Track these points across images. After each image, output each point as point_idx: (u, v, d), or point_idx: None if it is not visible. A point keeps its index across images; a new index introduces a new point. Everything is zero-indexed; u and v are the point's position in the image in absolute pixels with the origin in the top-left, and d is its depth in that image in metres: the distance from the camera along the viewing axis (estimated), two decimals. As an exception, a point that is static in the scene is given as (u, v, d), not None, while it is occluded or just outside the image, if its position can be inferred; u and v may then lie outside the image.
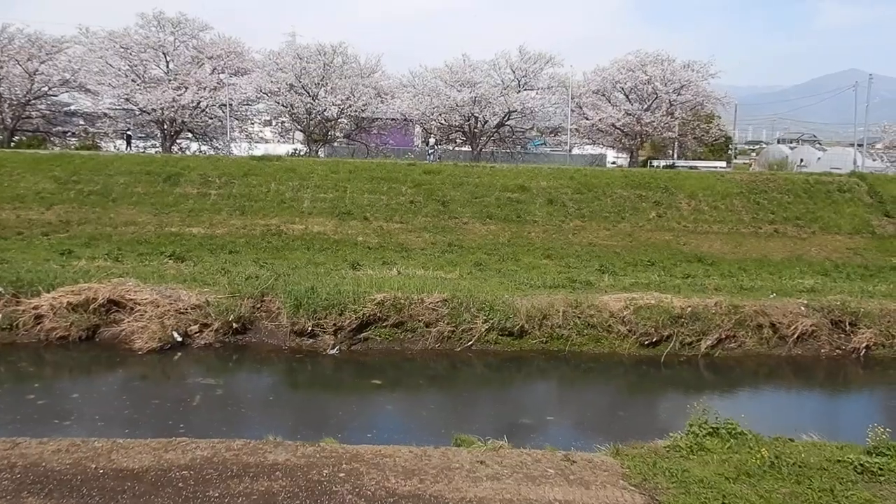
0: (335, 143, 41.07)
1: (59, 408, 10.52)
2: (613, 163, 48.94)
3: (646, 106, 37.45)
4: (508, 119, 38.21)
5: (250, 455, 6.95)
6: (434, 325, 14.39)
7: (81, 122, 40.81)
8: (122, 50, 35.62)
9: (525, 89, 38.59)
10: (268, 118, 43.03)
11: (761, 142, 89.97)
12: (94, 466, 6.54)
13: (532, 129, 42.71)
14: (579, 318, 14.70)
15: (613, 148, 47.51)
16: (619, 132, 38.88)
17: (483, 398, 12.53)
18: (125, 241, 22.31)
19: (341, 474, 6.58)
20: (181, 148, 40.25)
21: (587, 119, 38.03)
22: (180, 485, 6.27)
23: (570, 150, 40.82)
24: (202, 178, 26.66)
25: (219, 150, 39.92)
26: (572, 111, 39.05)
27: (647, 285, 16.97)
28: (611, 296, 15.44)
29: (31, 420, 9.84)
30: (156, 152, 37.70)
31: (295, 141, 47.97)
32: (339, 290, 14.60)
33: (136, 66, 36.28)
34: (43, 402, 10.76)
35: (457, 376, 13.41)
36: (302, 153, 39.13)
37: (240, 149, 39.80)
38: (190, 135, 40.17)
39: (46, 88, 37.83)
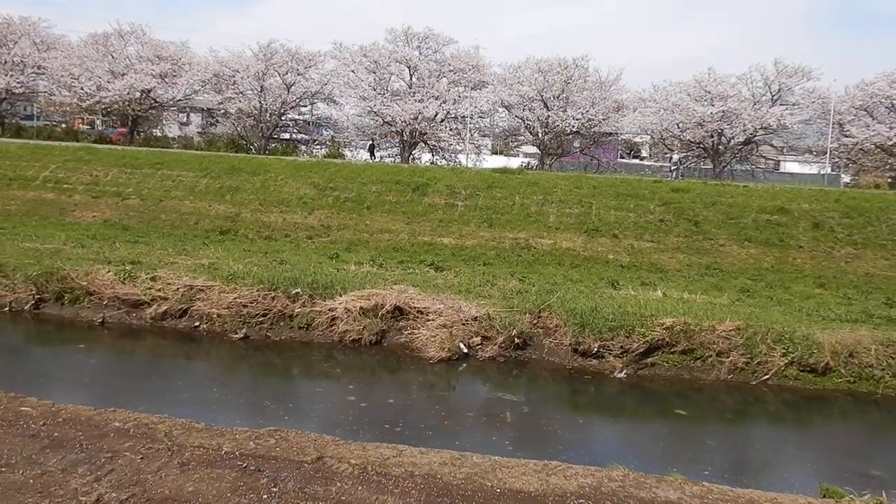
0: (563, 158, 40.96)
1: (383, 412, 10.86)
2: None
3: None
4: (755, 136, 36.24)
5: (637, 488, 6.67)
6: (726, 354, 13.58)
7: (326, 132, 43.69)
8: (371, 64, 37.63)
9: (777, 104, 36.34)
10: (498, 131, 43.75)
11: None
12: (489, 485, 6.52)
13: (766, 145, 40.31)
14: (893, 357, 13.31)
15: (846, 168, 43.75)
16: (884, 152, 35.48)
17: (806, 440, 11.60)
18: (381, 248, 23.23)
19: (747, 523, 6.13)
20: (415, 158, 41.81)
21: (848, 137, 35.14)
22: (584, 515, 6.09)
23: (829, 171, 37.98)
24: (448, 189, 27.31)
25: (448, 161, 41.07)
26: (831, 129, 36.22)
27: (962, 326, 15.12)
28: (927, 336, 13.86)
29: (364, 423, 10.22)
30: (392, 161, 39.41)
31: (503, 153, 48.41)
32: (623, 312, 14.20)
33: (382, 79, 38.17)
34: (365, 404, 11.20)
35: (761, 412, 12.50)
36: (532, 166, 39.35)
37: (469, 160, 40.72)
38: (423, 145, 41.66)
39: (299, 99, 40.80)
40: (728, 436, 11.29)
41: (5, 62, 45.71)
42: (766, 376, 13.35)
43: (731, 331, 13.79)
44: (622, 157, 52.48)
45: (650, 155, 60.40)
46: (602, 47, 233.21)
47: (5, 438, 6.68)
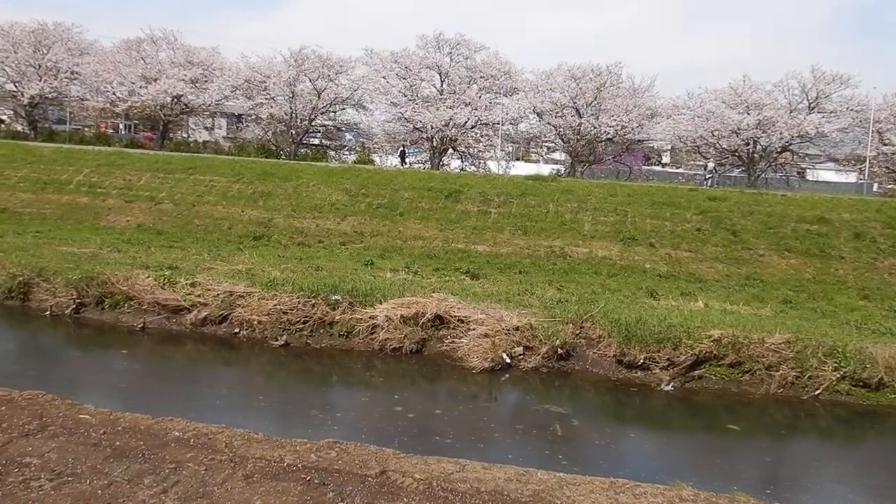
0: (594, 165, 40.70)
1: (432, 423, 10.72)
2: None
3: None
4: (791, 144, 35.77)
5: (711, 510, 6.46)
6: (776, 368, 13.28)
7: (355, 137, 43.82)
8: (402, 70, 37.65)
9: (814, 112, 35.85)
10: (528, 137, 43.59)
11: None
12: (558, 503, 6.34)
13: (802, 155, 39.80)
14: (948, 373, 12.94)
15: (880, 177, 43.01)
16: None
17: (864, 457, 11.29)
18: (415, 254, 23.10)
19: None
20: (444, 164, 41.74)
21: (888, 146, 34.55)
22: (659, 537, 5.89)
23: (867, 180, 37.38)
24: (481, 196, 27.13)
25: (478, 167, 40.95)
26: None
27: None
28: (984, 352, 13.47)
29: (412, 434, 10.09)
30: (420, 168, 39.34)
31: (524, 159, 48.13)
32: (669, 323, 13.94)
33: (413, 85, 38.16)
34: (412, 415, 11.04)
35: (815, 428, 12.21)
36: (561, 174, 39.14)
37: (500, 167, 40.60)
38: (453, 151, 41.61)
39: (329, 105, 40.91)
40: (784, 452, 11.02)
41: (39, 66, 46.23)
42: (818, 391, 13.02)
43: (780, 344, 13.48)
44: (652, 165, 52.07)
45: (671, 162, 59.92)
46: (607, 51, 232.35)
47: (68, 447, 6.60)
